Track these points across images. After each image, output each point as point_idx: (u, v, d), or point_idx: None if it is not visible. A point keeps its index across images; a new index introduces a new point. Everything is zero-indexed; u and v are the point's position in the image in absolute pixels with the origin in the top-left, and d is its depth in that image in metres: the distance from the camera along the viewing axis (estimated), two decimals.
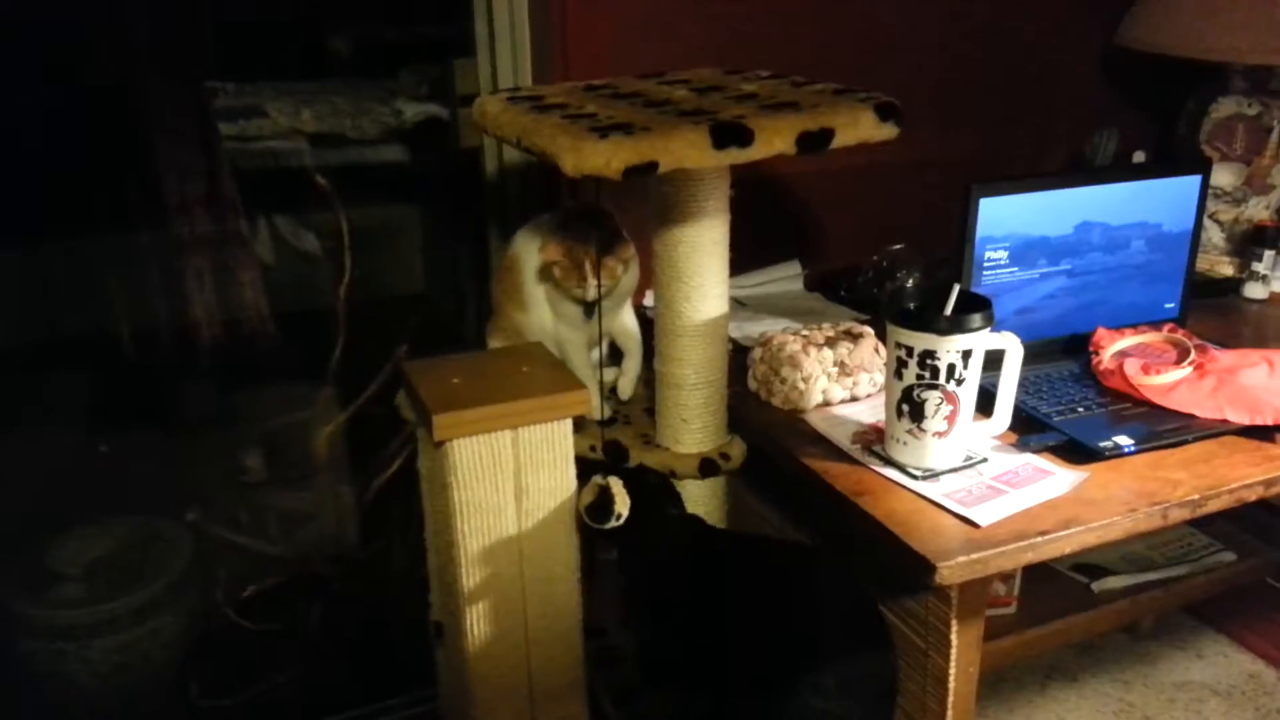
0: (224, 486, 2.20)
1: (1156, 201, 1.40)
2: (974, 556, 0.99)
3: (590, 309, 1.32)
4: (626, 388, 1.43)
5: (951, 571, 0.99)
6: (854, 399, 1.32)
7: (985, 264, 1.32)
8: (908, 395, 1.11)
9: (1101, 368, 1.32)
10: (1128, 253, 1.41)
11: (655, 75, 1.34)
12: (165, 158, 2.06)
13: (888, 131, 1.10)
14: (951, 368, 1.08)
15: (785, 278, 1.74)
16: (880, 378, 1.33)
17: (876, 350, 1.32)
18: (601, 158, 0.97)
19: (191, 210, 2.11)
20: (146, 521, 2.04)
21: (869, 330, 1.35)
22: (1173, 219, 1.42)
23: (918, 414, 1.11)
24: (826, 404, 1.31)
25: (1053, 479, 1.12)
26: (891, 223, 1.72)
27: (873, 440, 1.21)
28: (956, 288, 1.09)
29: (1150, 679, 1.93)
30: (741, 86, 1.24)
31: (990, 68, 1.80)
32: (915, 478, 1.12)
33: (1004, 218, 1.32)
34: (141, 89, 2.05)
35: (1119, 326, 1.41)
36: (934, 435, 1.12)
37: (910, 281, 1.60)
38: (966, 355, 1.09)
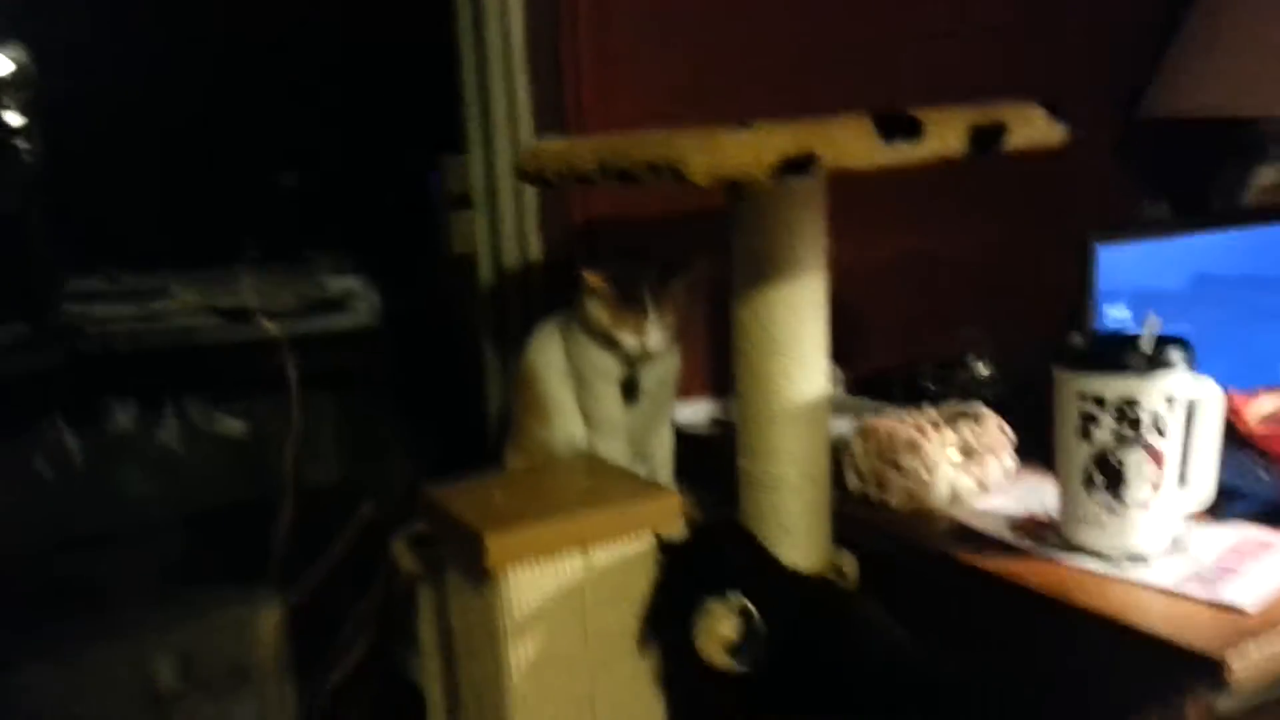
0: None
1: (1267, 251, 1.25)
2: (1267, 648, 0.75)
3: (632, 390, 1.08)
4: None
5: (1245, 669, 0.73)
6: (983, 491, 1.08)
7: (1109, 324, 1.13)
8: (1101, 460, 0.88)
9: (1258, 434, 1.12)
10: (1241, 307, 1.24)
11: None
12: None
13: (1058, 133, 0.92)
14: (1156, 418, 0.86)
15: None
16: (1010, 463, 1.10)
17: (1002, 430, 1.10)
18: (748, 151, 0.74)
19: None
20: None
21: (985, 408, 1.13)
22: None
23: (1115, 482, 0.88)
24: (953, 498, 1.07)
25: None
26: (912, 324, 1.55)
27: (1039, 531, 0.96)
28: (1152, 316, 0.88)
29: None
30: None
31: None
32: (1121, 565, 0.88)
33: (1123, 270, 1.14)
34: None
35: (1243, 387, 1.22)
36: (1138, 508, 0.88)
37: (983, 370, 1.39)
38: (1171, 402, 0.87)
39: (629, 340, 1.08)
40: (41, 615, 1.80)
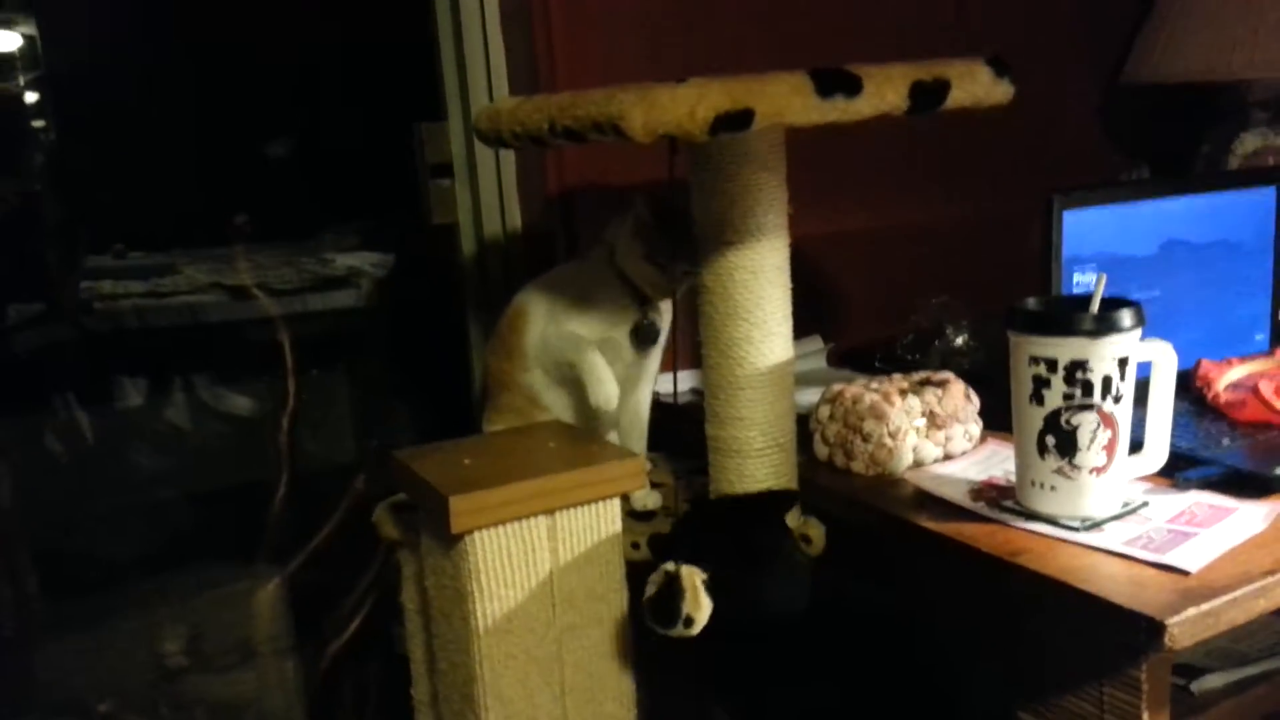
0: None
1: (1237, 217, 1.24)
2: (1204, 608, 0.76)
3: (645, 335, 1.08)
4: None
5: (1183, 630, 0.74)
6: (948, 457, 1.09)
7: (1075, 290, 1.13)
8: (1053, 423, 0.88)
9: (1223, 401, 1.13)
10: (1215, 274, 1.24)
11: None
12: None
13: (1003, 91, 0.92)
14: (1107, 381, 0.87)
15: (807, 354, 1.53)
16: (975, 429, 1.11)
17: (968, 397, 1.11)
18: (683, 106, 0.75)
19: None
20: None
21: (952, 375, 1.13)
22: (1256, 236, 1.26)
23: (1068, 446, 0.89)
24: (918, 465, 1.08)
25: (1240, 514, 0.90)
26: (897, 295, 1.55)
27: (997, 497, 0.98)
28: (1103, 277, 0.88)
29: None
30: None
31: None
32: (1074, 529, 0.89)
33: (1089, 234, 1.14)
34: None
35: (1218, 355, 1.22)
36: (1091, 472, 0.89)
37: (961, 339, 1.40)
38: (1123, 365, 0.88)
39: (653, 279, 1.08)
40: (53, 591, 1.84)
